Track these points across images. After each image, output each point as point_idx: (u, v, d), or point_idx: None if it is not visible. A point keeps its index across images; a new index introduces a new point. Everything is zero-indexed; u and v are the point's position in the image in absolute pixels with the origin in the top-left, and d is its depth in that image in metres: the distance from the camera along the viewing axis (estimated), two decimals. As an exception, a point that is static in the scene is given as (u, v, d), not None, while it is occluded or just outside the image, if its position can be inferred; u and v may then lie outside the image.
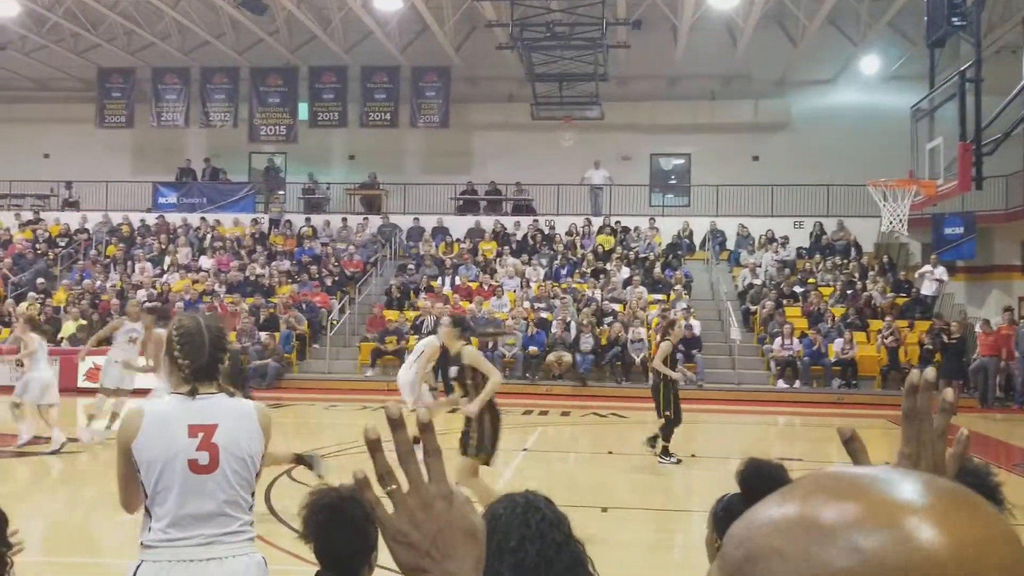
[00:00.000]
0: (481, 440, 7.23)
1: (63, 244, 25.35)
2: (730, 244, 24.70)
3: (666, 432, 10.90)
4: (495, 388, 7.18)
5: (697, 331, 19.73)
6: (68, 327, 20.07)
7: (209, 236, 25.33)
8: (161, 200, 27.09)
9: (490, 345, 18.80)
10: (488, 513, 2.24)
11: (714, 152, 26.29)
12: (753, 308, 21.35)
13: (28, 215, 26.59)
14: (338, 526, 2.66)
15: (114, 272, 23.56)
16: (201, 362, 3.04)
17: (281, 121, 27.22)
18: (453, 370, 7.61)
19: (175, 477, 2.94)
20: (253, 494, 3.11)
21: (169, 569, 2.90)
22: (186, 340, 3.05)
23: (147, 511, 2.99)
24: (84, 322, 20.15)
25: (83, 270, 23.54)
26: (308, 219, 26.24)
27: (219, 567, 2.94)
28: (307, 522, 2.73)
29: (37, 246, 25.12)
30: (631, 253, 23.85)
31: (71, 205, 27.24)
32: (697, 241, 24.87)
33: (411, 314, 20.93)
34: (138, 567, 2.94)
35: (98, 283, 22.58)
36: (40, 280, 22.70)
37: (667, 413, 10.82)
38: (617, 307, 21.04)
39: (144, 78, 27.33)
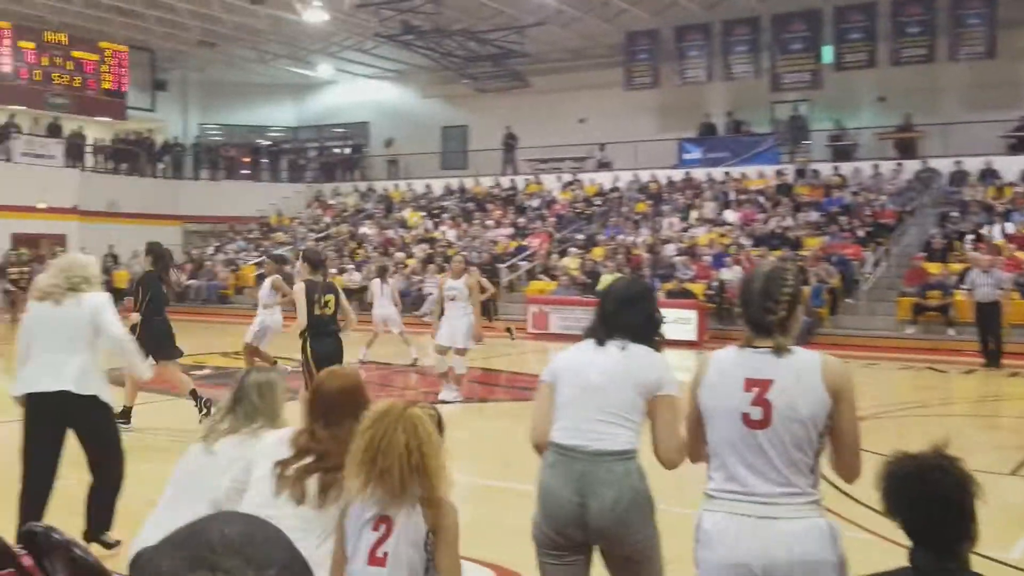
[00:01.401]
0: None
1: (599, 203, 27.29)
2: None
3: None
4: None
5: None
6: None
7: (733, 190, 25.57)
8: (686, 156, 27.88)
9: None
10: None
11: None
12: None
13: (568, 177, 29.05)
14: (924, 498, 2.38)
15: (644, 228, 24.79)
16: (749, 312, 3.02)
17: (804, 67, 26.47)
18: None
19: (731, 429, 2.94)
20: (817, 456, 2.91)
21: (727, 521, 2.90)
22: (741, 289, 3.12)
23: (708, 460, 3.05)
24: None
25: (616, 227, 25.12)
26: (836, 167, 25.27)
27: (776, 527, 2.83)
28: (888, 495, 2.45)
29: (576, 205, 27.35)
30: None
31: (604, 166, 29.19)
32: None
33: (956, 267, 19.16)
34: (702, 516, 3.01)
35: (630, 238, 23.93)
36: (580, 236, 24.69)
37: None
38: None
39: (667, 38, 28.24)
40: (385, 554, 2.84)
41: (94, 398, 5.27)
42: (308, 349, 8.33)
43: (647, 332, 3.46)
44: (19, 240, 26.82)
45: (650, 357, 3.40)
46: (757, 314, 2.99)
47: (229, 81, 34.10)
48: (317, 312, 8.32)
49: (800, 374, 2.91)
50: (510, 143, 30.67)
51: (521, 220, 27.18)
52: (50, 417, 5.27)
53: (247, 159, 33.99)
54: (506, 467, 7.62)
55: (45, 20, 28.36)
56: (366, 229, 28.80)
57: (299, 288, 8.52)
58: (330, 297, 8.38)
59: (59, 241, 28.09)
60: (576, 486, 3.23)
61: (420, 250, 25.73)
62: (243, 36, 30.46)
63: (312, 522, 3.19)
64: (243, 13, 27.85)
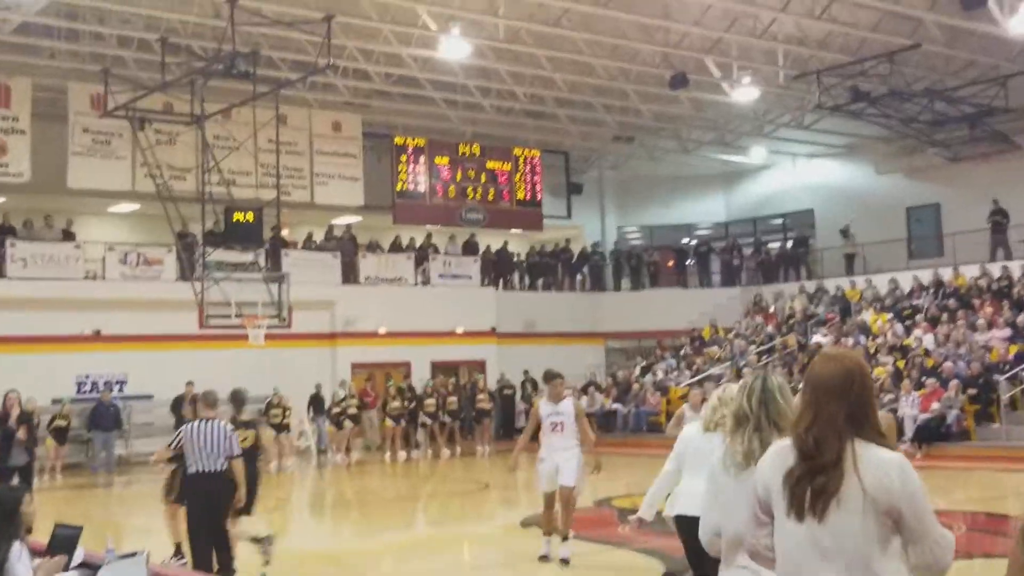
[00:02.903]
0: None
1: None
2: None
3: None
4: None
5: None
6: None
7: None
8: None
9: None
10: None
11: None
12: None
13: (1089, 260, 24.04)
14: None
15: None
16: None
17: None
18: None
19: None
20: None
21: None
22: None
23: None
24: None
25: None
26: None
27: None
28: None
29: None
30: None
31: None
32: None
33: None
34: None
35: None
36: None
37: None
38: None
39: None
40: None
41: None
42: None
43: None
44: (438, 367, 26.67)
45: None
46: None
47: (648, 176, 33.56)
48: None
49: None
50: (999, 220, 27.02)
51: (1022, 318, 23.58)
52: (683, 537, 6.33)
53: (672, 263, 32.86)
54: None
55: (458, 132, 29.19)
56: (819, 337, 26.26)
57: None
58: (249, 433, 9.82)
59: (478, 367, 27.62)
60: None
61: (889, 361, 23.29)
62: (663, 125, 30.19)
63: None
64: (662, 101, 27.49)
